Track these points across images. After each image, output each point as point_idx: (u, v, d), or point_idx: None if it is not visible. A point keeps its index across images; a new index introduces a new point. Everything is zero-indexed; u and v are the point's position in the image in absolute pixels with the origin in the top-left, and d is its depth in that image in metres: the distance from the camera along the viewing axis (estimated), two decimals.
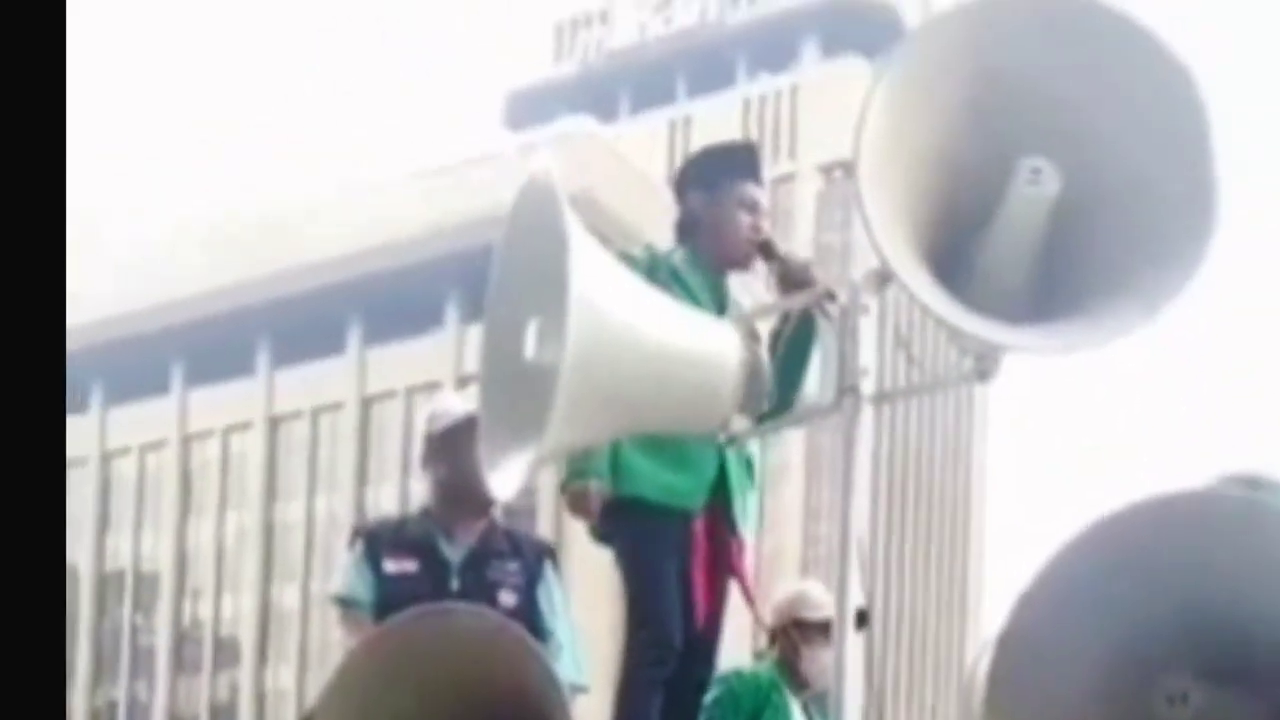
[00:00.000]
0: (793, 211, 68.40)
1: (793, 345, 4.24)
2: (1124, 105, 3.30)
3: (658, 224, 7.15)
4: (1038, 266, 3.38)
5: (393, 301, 51.42)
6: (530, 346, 3.36)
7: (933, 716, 69.58)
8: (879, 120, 3.28)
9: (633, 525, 5.00)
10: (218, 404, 55.49)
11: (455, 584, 5.08)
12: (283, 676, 54.10)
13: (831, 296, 3.64)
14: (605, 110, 73.29)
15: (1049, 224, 3.34)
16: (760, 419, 3.75)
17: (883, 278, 3.43)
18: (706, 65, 75.97)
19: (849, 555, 3.41)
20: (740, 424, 3.72)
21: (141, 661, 56.89)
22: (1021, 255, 3.37)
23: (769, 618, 5.95)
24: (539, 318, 3.35)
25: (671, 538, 5.01)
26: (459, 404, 5.33)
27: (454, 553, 5.15)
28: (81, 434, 51.79)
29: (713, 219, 5.13)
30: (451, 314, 51.35)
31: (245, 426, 55.73)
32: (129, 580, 57.57)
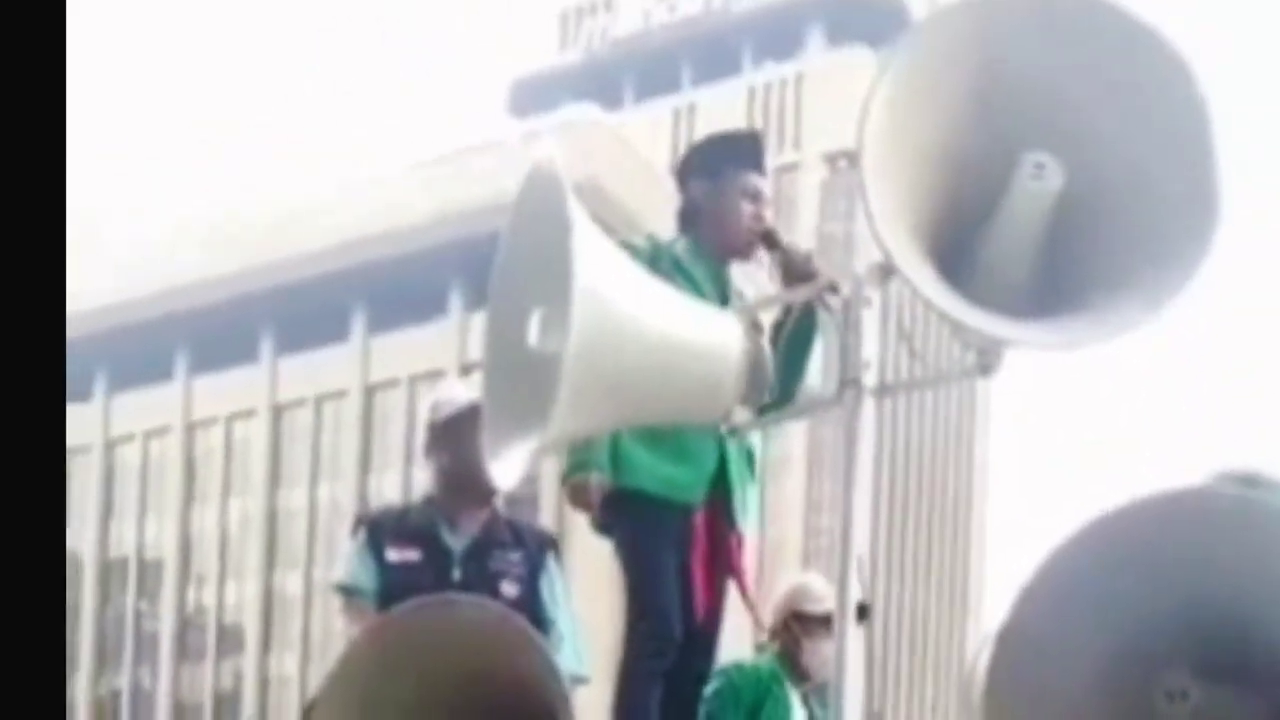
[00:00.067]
0: (796, 200, 68.40)
1: (795, 337, 4.23)
2: (1126, 103, 3.30)
3: (662, 212, 7.14)
4: (1040, 262, 3.38)
5: (396, 289, 51.39)
6: (534, 335, 3.36)
7: (933, 710, 69.52)
8: (883, 113, 3.28)
9: (632, 517, 5.00)
10: (221, 391, 55.48)
11: (458, 574, 5.08)
12: (286, 664, 54.13)
13: (834, 289, 3.64)
14: (610, 98, 73.19)
15: (1052, 219, 3.34)
16: (762, 410, 3.74)
17: (886, 271, 3.43)
18: (711, 53, 75.89)
19: (850, 548, 3.41)
20: (742, 415, 3.72)
21: (145, 648, 56.94)
22: (1024, 250, 3.37)
23: (769, 613, 5.94)
24: (543, 306, 3.35)
25: (671, 530, 5.01)
26: (462, 392, 5.31)
27: (457, 542, 5.15)
28: (85, 421, 51.86)
29: (715, 208, 5.10)
30: (455, 302, 51.33)
31: (249, 414, 55.74)
32: (133, 567, 57.60)
